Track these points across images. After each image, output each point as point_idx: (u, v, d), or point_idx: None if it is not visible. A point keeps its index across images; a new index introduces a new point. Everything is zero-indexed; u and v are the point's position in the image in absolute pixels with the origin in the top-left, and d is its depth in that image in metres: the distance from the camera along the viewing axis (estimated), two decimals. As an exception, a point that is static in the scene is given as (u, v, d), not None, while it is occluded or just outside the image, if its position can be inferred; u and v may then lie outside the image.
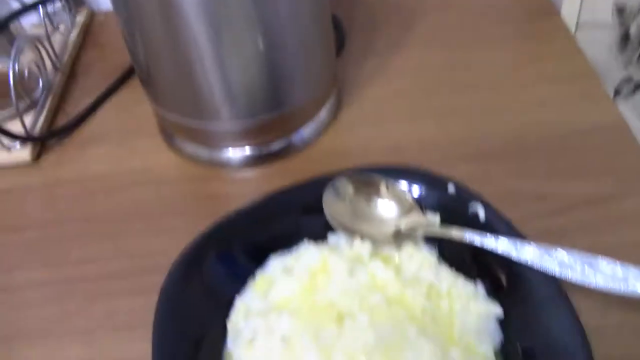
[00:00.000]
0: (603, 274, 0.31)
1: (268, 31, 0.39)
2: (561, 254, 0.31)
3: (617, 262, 0.31)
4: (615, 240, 0.38)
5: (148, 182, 0.45)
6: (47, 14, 0.55)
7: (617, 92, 0.63)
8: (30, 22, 0.58)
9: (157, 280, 0.34)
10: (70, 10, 0.59)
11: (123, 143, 0.48)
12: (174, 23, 0.37)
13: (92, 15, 0.62)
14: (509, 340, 0.32)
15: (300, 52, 0.42)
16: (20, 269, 0.40)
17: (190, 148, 0.46)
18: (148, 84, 0.45)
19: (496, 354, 0.31)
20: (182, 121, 0.43)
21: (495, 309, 0.32)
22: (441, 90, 0.50)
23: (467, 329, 0.32)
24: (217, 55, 0.39)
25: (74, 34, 0.58)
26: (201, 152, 0.46)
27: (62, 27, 0.58)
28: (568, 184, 0.41)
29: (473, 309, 0.32)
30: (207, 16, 0.37)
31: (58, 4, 0.58)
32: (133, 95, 0.52)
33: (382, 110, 0.48)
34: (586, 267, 0.31)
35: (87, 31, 0.60)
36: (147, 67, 0.43)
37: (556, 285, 0.31)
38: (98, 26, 0.61)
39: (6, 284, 0.39)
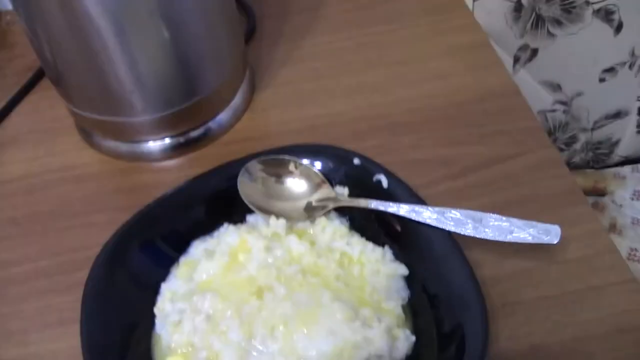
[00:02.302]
0: (492, 228, 0.34)
1: (172, 21, 0.40)
2: (454, 214, 0.35)
3: (503, 217, 0.35)
4: (508, 197, 0.41)
5: (69, 180, 0.46)
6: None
7: (516, 60, 0.67)
8: None
9: (83, 275, 0.36)
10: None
11: (41, 144, 0.48)
12: (75, 19, 0.37)
13: (-1, 15, 0.61)
14: (415, 295, 0.35)
15: (207, 39, 0.43)
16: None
17: (109, 143, 0.47)
18: (58, 83, 0.45)
19: (404, 308, 0.35)
20: (97, 118, 0.44)
21: (401, 269, 0.35)
22: (350, 69, 0.52)
23: (377, 290, 0.35)
24: (124, 49, 0.39)
25: (-20, 37, 0.57)
26: (120, 146, 0.46)
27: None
28: (466, 149, 0.45)
29: (382, 271, 0.35)
30: (109, 9, 0.37)
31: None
32: (48, 94, 0.51)
33: (295, 93, 0.50)
34: (477, 223, 0.34)
35: (-7, 31, 0.59)
36: (55, 66, 0.43)
37: (452, 242, 0.35)
38: (5, 25, 0.60)
39: None
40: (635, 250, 0.74)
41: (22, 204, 0.45)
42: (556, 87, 0.76)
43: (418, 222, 0.35)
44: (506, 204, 0.41)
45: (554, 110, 0.78)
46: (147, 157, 0.47)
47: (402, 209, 0.36)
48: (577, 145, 0.83)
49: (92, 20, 0.37)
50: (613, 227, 0.76)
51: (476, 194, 0.42)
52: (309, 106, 0.49)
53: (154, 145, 0.46)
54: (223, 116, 0.48)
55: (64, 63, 0.42)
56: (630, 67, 0.77)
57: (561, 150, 0.82)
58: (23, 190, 0.45)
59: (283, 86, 0.51)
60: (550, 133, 0.81)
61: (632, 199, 0.80)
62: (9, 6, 0.61)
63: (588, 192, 0.79)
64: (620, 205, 0.78)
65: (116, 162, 0.47)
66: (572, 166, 0.84)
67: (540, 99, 0.76)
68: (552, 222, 0.36)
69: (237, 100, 0.48)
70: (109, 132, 0.46)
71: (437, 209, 0.35)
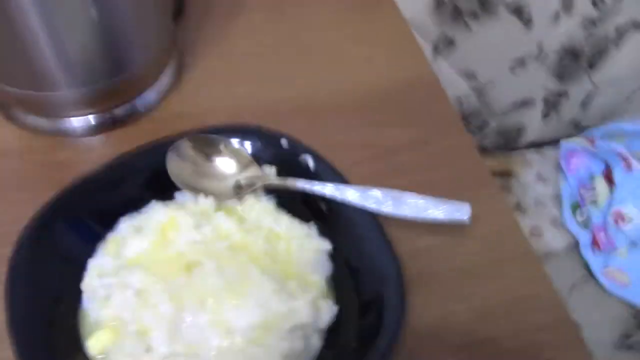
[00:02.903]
0: (409, 206, 0.37)
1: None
2: (375, 193, 0.37)
3: (420, 196, 0.38)
4: (426, 177, 0.44)
5: (-13, 156, 0.44)
6: None
7: (435, 49, 0.71)
8: None
9: (6, 252, 0.35)
10: None
11: (-47, 118, 0.46)
12: None
13: None
14: (338, 269, 0.37)
15: (133, 15, 0.42)
16: None
17: (31, 119, 0.46)
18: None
19: (328, 281, 0.37)
20: (19, 93, 0.43)
21: (325, 245, 0.37)
22: (278, 52, 0.53)
23: (303, 264, 0.37)
24: (47, 22, 0.38)
25: None
26: (43, 122, 0.45)
27: None
28: (388, 133, 0.47)
29: (307, 246, 0.37)
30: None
31: None
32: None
33: (224, 73, 0.51)
34: (396, 202, 0.37)
35: None
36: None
37: (373, 219, 0.37)
38: None
39: None
40: (538, 227, 0.81)
41: None
42: (471, 76, 0.81)
43: (341, 201, 0.38)
44: (423, 184, 0.43)
45: (468, 96, 0.82)
46: (70, 134, 0.46)
47: (327, 189, 0.38)
48: (488, 130, 0.88)
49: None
50: (518, 206, 0.82)
51: (396, 175, 0.44)
52: (237, 87, 0.50)
53: (78, 121, 0.45)
54: (149, 95, 0.47)
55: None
56: (537, 58, 0.83)
57: (473, 133, 0.87)
58: None
59: (211, 67, 0.52)
60: (464, 117, 0.85)
61: (536, 181, 0.86)
62: None
63: (497, 174, 0.84)
64: (526, 187, 0.85)
65: (38, 138, 0.46)
66: (483, 149, 0.90)
67: (456, 85, 0.80)
68: (466, 200, 0.39)
69: (164, 79, 0.48)
70: (31, 107, 0.45)
71: (359, 188, 0.38)
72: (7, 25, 0.38)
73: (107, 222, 0.38)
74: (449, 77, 0.77)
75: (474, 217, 0.39)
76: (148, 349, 0.32)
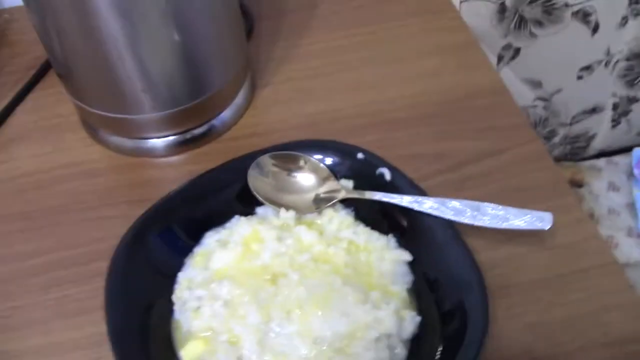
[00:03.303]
0: (489, 216, 0.37)
1: (181, 22, 0.41)
2: (454, 204, 0.37)
3: (499, 206, 0.37)
4: (500, 187, 0.44)
5: (78, 175, 0.47)
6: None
7: (500, 58, 0.70)
8: None
9: (100, 266, 0.37)
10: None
11: (47, 140, 0.50)
12: (87, 17, 0.39)
13: (-4, 14, 0.61)
14: (418, 278, 0.38)
15: (213, 39, 0.45)
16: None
17: (115, 139, 0.48)
18: (67, 79, 0.46)
19: (409, 291, 0.37)
20: (106, 115, 0.46)
21: (405, 255, 0.38)
22: (347, 67, 0.54)
23: (383, 275, 0.37)
24: (133, 49, 0.41)
25: (-20, 35, 0.58)
26: (126, 142, 0.48)
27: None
28: (460, 144, 0.47)
29: (387, 257, 0.38)
30: (119, 9, 0.38)
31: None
32: (51, 91, 0.53)
33: (295, 90, 0.53)
34: (475, 212, 0.37)
35: (-7, 30, 0.60)
36: (65, 63, 0.44)
37: (452, 229, 0.38)
38: (5, 24, 0.61)
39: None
40: (612, 237, 0.78)
41: (33, 199, 0.46)
42: (537, 84, 0.80)
43: (420, 212, 0.38)
44: (498, 195, 0.43)
45: (535, 106, 0.81)
46: (151, 153, 0.48)
47: (405, 200, 0.38)
48: (556, 139, 0.87)
49: (103, 20, 0.39)
50: (591, 217, 0.80)
51: (469, 186, 0.44)
52: (309, 103, 0.51)
53: (159, 142, 0.48)
54: (226, 114, 0.49)
55: (74, 60, 0.44)
56: (606, 65, 0.81)
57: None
58: (33, 186, 0.47)
59: (282, 84, 0.53)
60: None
61: (608, 190, 0.84)
62: (5, 4, 0.62)
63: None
64: (597, 196, 0.82)
65: (122, 158, 0.48)
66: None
67: (522, 95, 0.79)
68: (542, 210, 0.39)
69: (240, 98, 0.50)
70: (116, 128, 0.47)
71: (437, 199, 0.38)
72: (96, 52, 0.41)
73: (194, 237, 0.40)
74: (515, 86, 0.77)
75: (552, 226, 0.38)
76: (239, 359, 0.33)
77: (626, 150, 0.88)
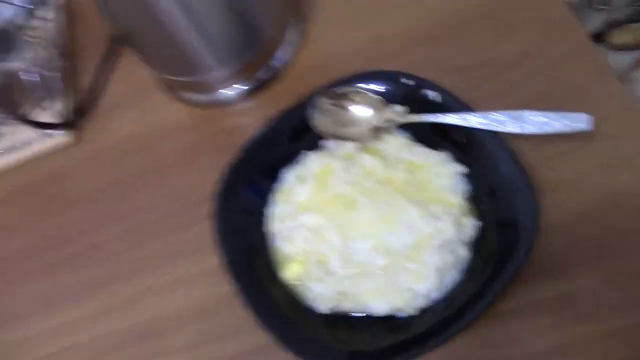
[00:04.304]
0: (530, 123, 0.41)
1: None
2: (496, 116, 0.41)
3: (539, 112, 0.41)
4: (545, 86, 0.47)
5: (170, 132, 0.54)
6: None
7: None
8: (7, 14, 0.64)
9: (202, 210, 0.45)
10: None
11: (137, 105, 0.57)
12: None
13: (66, -9, 0.67)
14: (474, 187, 0.43)
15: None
16: (101, 230, 0.51)
17: (191, 96, 0.55)
18: (138, 50, 0.52)
19: (468, 200, 0.42)
20: (180, 80, 0.52)
21: (459, 168, 0.43)
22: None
23: (442, 188, 0.42)
24: (191, 19, 0.46)
25: (57, 16, 0.64)
26: (203, 97, 0.54)
27: (41, 13, 0.63)
28: (501, 48, 0.49)
29: (443, 172, 0.43)
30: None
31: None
32: (131, 59, 0.59)
33: (341, 19, 0.55)
34: (517, 121, 0.41)
35: (69, 8, 0.66)
36: (132, 36, 0.50)
37: (498, 138, 0.42)
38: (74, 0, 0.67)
39: (96, 242, 0.51)
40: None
41: (139, 160, 0.54)
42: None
43: (468, 127, 0.42)
44: (545, 93, 0.46)
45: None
46: (225, 103, 0.54)
47: (453, 118, 0.42)
48: (617, 1, 0.83)
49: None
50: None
51: (516, 89, 0.47)
52: (356, 29, 0.54)
53: (231, 92, 0.53)
54: (283, 53, 0.54)
55: (140, 35, 0.49)
56: None
57: (602, 10, 0.83)
58: (137, 147, 0.55)
59: (329, 13, 0.56)
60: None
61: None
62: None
63: (631, 47, 0.81)
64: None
65: (201, 112, 0.55)
66: (615, 23, 0.86)
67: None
68: (587, 104, 0.42)
69: (293, 34, 0.54)
70: (191, 88, 0.54)
71: (481, 113, 0.42)
72: (161, 26, 0.46)
73: (272, 176, 0.47)
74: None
75: (600, 118, 0.41)
76: (329, 273, 0.41)
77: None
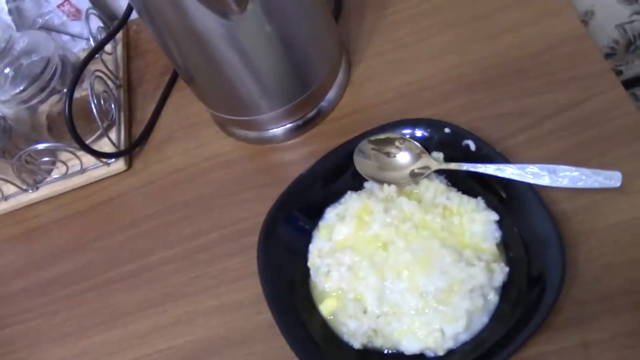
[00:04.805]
0: (564, 177, 0.43)
1: (283, 35, 0.49)
2: (532, 169, 0.43)
3: (573, 167, 0.43)
4: (581, 138, 0.48)
5: (218, 165, 0.58)
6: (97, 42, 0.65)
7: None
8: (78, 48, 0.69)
9: (247, 241, 0.48)
10: (109, 27, 0.69)
11: (189, 138, 0.61)
12: (202, 45, 0.47)
13: (126, 26, 0.72)
14: (506, 233, 0.45)
15: (311, 34, 0.52)
16: (152, 253, 0.55)
17: (241, 132, 0.58)
18: (193, 87, 0.56)
19: (498, 246, 0.44)
20: (233, 119, 0.55)
21: (493, 216, 0.45)
22: (430, 33, 0.59)
23: (475, 234, 0.44)
24: (245, 62, 0.49)
25: (119, 49, 0.69)
26: (250, 134, 0.58)
27: (107, 47, 0.68)
28: (541, 98, 0.51)
29: (477, 218, 0.45)
30: (229, 37, 0.46)
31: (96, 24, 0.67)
32: (183, 92, 0.64)
33: (385, 63, 0.58)
34: (551, 175, 0.43)
35: (127, 42, 0.71)
36: (187, 73, 0.54)
37: (533, 191, 0.44)
38: (134, 35, 0.72)
39: (147, 265, 0.55)
40: None
41: (188, 190, 0.58)
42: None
43: (503, 177, 0.44)
44: (579, 145, 0.48)
45: (631, 22, 0.79)
46: (273, 141, 0.57)
47: (489, 169, 0.45)
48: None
49: (216, 44, 0.47)
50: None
51: (552, 140, 0.49)
52: (398, 75, 0.57)
53: (278, 130, 0.57)
54: (331, 95, 0.57)
55: (194, 72, 0.53)
56: None
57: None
58: (186, 179, 0.58)
59: (372, 59, 0.59)
60: (629, 44, 0.83)
61: None
62: (133, 15, 0.72)
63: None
64: None
65: (249, 147, 0.58)
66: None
67: (617, 13, 0.78)
68: (621, 157, 0.44)
69: (340, 78, 0.57)
70: (242, 126, 0.57)
71: (518, 165, 0.44)
72: (212, 67, 0.50)
73: (316, 213, 0.49)
74: (608, 6, 0.76)
75: (630, 172, 0.43)
76: (364, 311, 0.43)
77: None
